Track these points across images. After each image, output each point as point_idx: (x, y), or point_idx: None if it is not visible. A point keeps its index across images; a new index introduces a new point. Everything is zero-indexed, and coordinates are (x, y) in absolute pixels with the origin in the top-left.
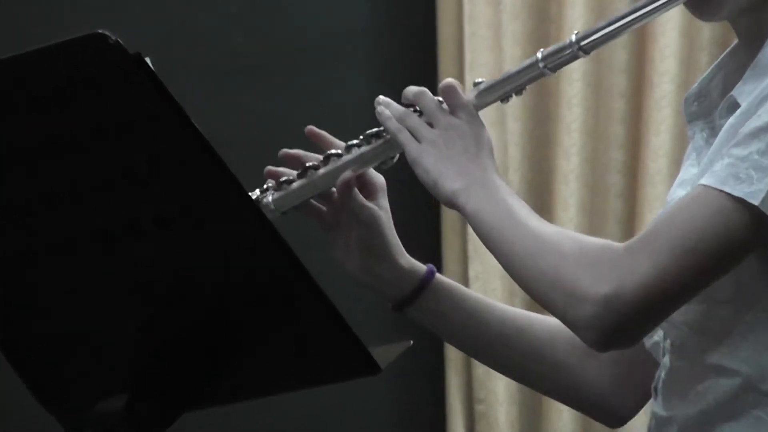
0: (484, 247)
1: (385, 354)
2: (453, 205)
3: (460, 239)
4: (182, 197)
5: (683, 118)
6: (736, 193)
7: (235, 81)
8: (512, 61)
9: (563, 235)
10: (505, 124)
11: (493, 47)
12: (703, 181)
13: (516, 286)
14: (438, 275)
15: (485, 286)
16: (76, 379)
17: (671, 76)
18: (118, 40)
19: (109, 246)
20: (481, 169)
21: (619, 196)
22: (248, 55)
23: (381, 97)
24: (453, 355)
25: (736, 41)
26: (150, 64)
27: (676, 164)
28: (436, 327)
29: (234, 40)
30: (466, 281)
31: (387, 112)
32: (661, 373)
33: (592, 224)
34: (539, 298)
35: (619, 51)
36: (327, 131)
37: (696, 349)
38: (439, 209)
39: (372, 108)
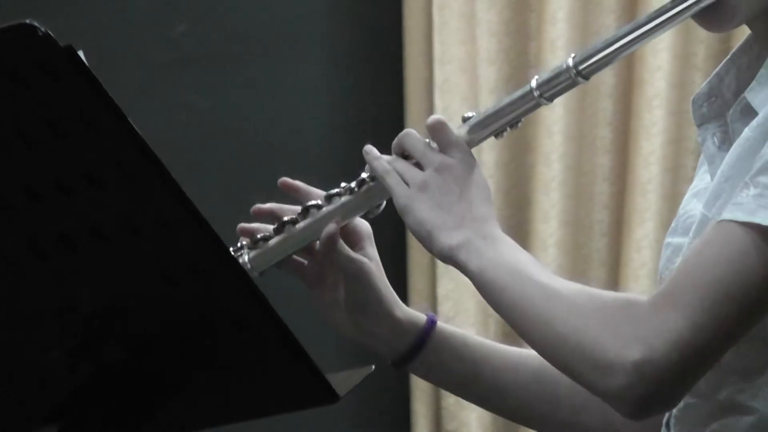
0: None
1: (344, 380)
2: (451, 262)
3: (427, 254)
4: (119, 207)
5: (677, 118)
6: (766, 223)
7: (178, 75)
8: (487, 55)
9: (580, 292)
10: None
11: (465, 39)
12: (727, 215)
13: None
14: (440, 324)
15: (457, 306)
16: None
17: (664, 72)
18: (48, 31)
19: (36, 262)
20: (480, 219)
21: (606, 206)
22: (191, 46)
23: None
24: (420, 383)
25: (749, 33)
26: (83, 58)
27: (670, 171)
28: (443, 381)
29: (175, 30)
30: (434, 300)
31: (375, 151)
32: (673, 409)
33: (575, 239)
34: (561, 366)
35: None
36: (280, 132)
37: (712, 386)
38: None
39: (331, 105)
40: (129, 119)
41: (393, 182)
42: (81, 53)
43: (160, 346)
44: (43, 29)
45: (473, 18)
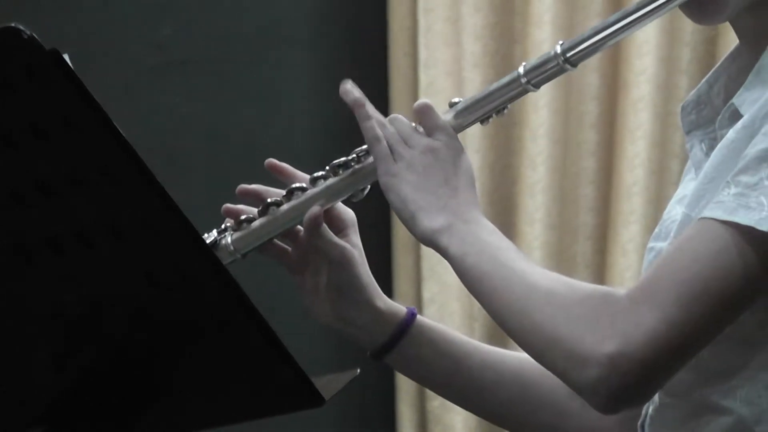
0: (439, 265)
1: (330, 384)
2: (433, 245)
3: (412, 257)
4: (105, 211)
5: (662, 121)
6: (745, 222)
7: (163, 78)
8: (472, 58)
9: (558, 282)
10: None
11: (450, 43)
12: (707, 213)
13: (476, 309)
14: (420, 317)
15: (442, 309)
16: None
17: (649, 75)
18: (33, 34)
19: (21, 265)
20: (463, 204)
21: (591, 209)
22: (177, 49)
23: (349, 83)
24: (405, 386)
25: (737, 43)
26: (68, 61)
27: (654, 174)
28: (421, 376)
29: (160, 33)
30: (419, 304)
31: (368, 110)
32: (649, 410)
33: (560, 241)
34: (536, 356)
35: None
36: (266, 135)
37: (688, 387)
38: (389, 223)
39: (317, 109)
40: (114, 122)
41: (380, 153)
42: (66, 56)
43: (146, 349)
44: (28, 32)
45: (458, 21)
